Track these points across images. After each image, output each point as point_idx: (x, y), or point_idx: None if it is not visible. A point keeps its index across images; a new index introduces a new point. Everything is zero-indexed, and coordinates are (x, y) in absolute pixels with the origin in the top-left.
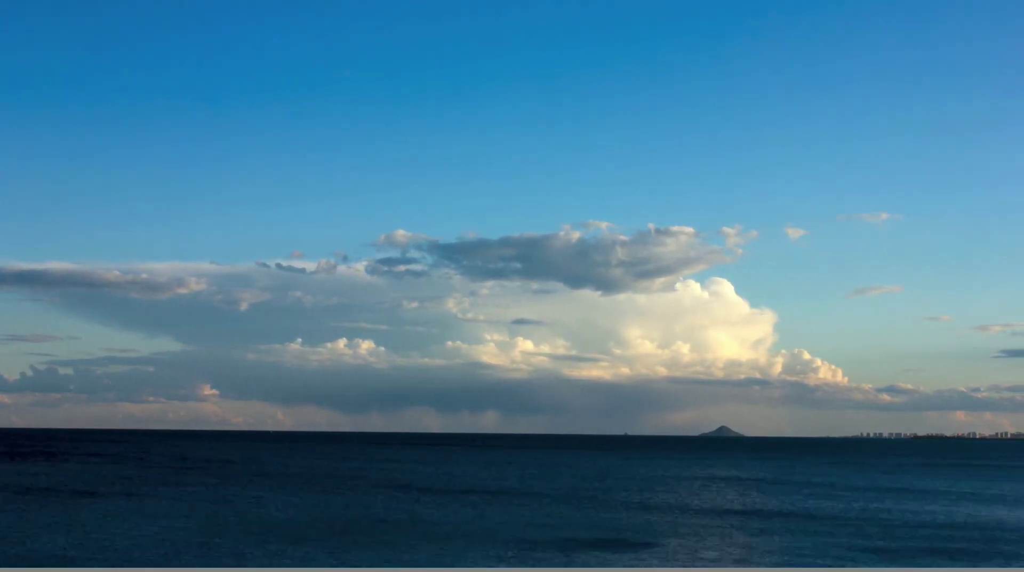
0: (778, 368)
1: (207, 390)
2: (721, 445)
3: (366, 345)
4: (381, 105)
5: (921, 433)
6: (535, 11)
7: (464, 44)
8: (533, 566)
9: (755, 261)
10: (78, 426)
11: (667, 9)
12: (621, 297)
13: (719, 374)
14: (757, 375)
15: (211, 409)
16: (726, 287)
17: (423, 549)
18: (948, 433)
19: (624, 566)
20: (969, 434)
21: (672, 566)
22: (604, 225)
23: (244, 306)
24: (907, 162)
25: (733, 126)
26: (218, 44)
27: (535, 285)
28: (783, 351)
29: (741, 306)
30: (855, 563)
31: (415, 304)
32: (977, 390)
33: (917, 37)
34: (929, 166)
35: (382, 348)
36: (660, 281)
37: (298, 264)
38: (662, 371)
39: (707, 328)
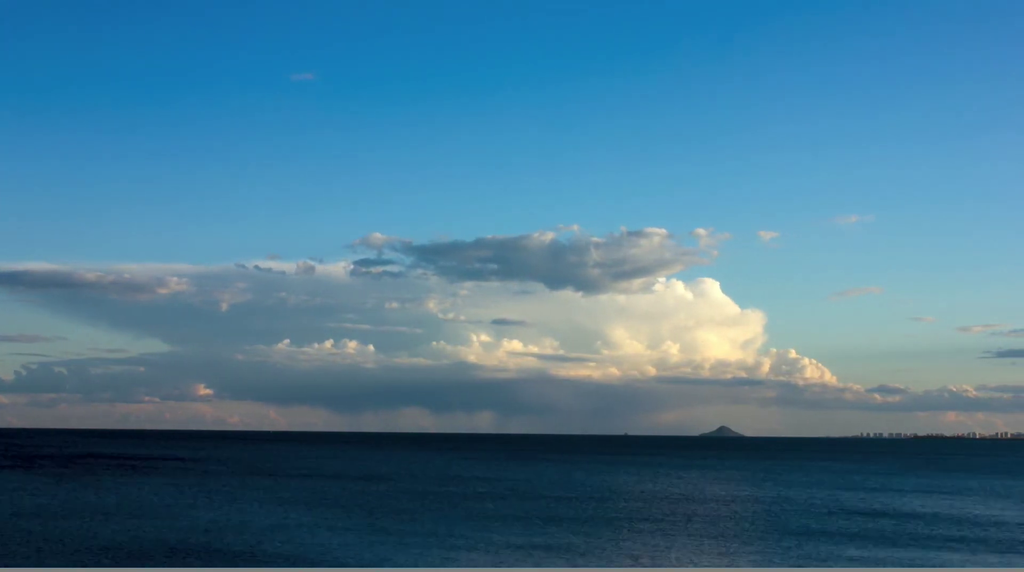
0: (767, 368)
1: (201, 390)
2: (722, 445)
3: (352, 345)
4: (351, 109)
5: (921, 433)
6: (506, 18)
7: (437, 49)
8: (533, 566)
9: (730, 263)
10: (76, 427)
11: (638, 17)
12: (603, 297)
13: (707, 374)
14: (744, 375)
15: (205, 409)
16: (712, 287)
17: None
18: (948, 433)
19: (624, 566)
20: (969, 434)
21: (672, 566)
22: (575, 227)
23: (224, 306)
24: (878, 165)
25: (703, 131)
26: (193, 44)
27: (515, 286)
28: (772, 351)
29: (729, 306)
30: (857, 563)
31: (395, 305)
32: (965, 390)
33: (888, 43)
34: (901, 169)
35: (370, 348)
36: (639, 282)
37: (275, 265)
38: (652, 371)
39: (695, 328)
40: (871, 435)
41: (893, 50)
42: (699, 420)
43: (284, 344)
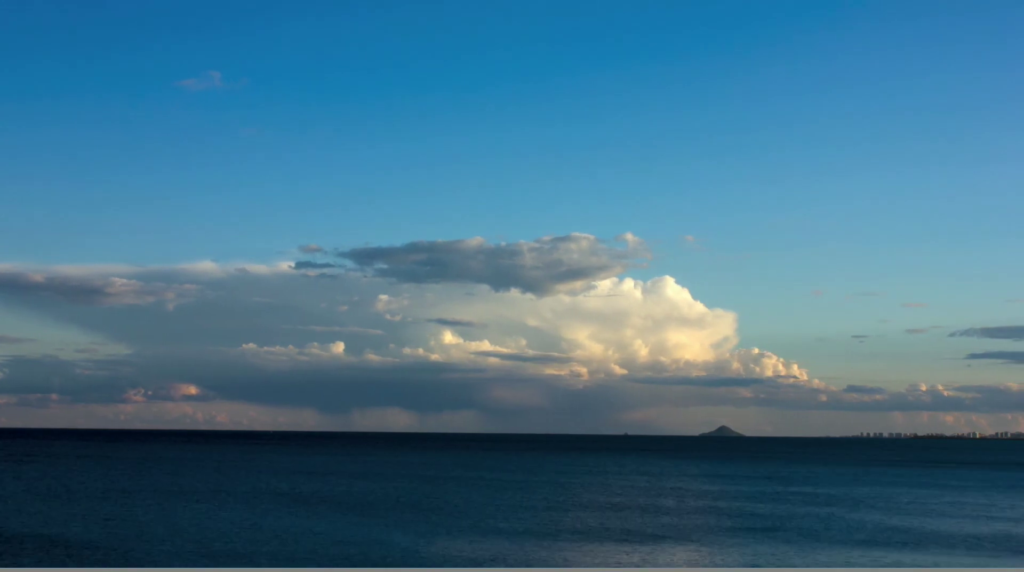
0: (738, 367)
1: (183, 390)
2: (726, 445)
3: (315, 346)
4: (272, 115)
5: (921, 433)
6: (439, 22)
7: (367, 53)
8: (534, 566)
9: (665, 266)
10: (69, 426)
11: (565, 26)
12: (556, 298)
13: (677, 373)
14: (719, 374)
15: (185, 408)
16: (670, 286)
17: None
18: (948, 433)
19: (625, 566)
20: (969, 434)
21: (672, 566)
22: (499, 235)
23: (171, 307)
24: (827, 168)
25: (624, 139)
26: (142, 39)
27: (459, 288)
28: (742, 351)
29: (694, 306)
30: (856, 564)
31: (345, 307)
32: (936, 390)
33: (819, 42)
34: (867, 170)
35: (336, 349)
36: (580, 283)
37: (213, 269)
38: (621, 370)
39: (661, 328)
40: (871, 435)
41: (813, 50)
42: (696, 420)
43: (252, 345)
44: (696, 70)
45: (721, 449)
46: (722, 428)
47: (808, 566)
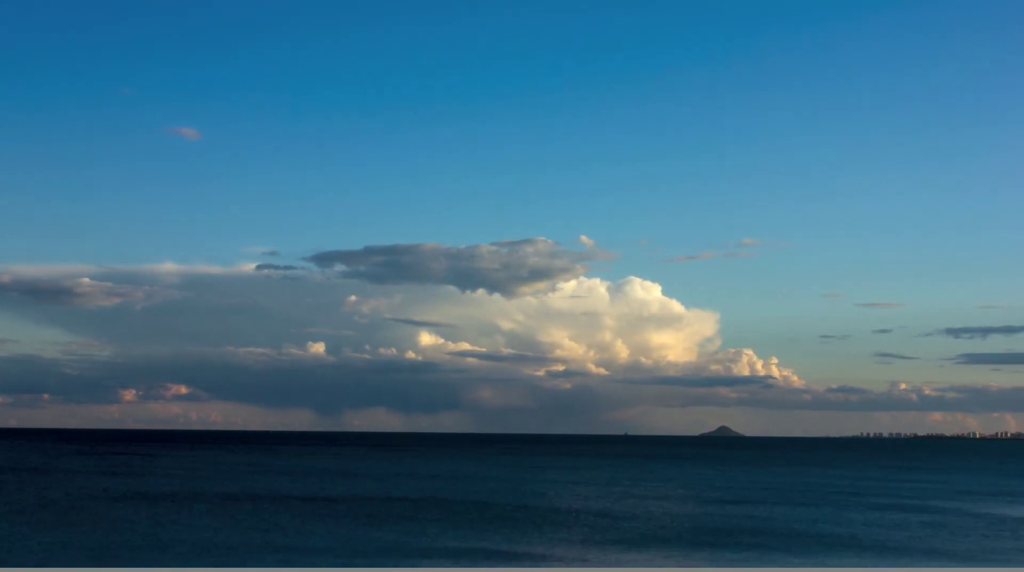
0: (717, 368)
1: (174, 390)
2: (728, 444)
3: (292, 347)
4: (215, 118)
5: (921, 433)
6: (384, 26)
7: (316, 60)
8: (538, 566)
9: (629, 268)
10: (63, 426)
11: (522, 33)
12: (521, 300)
13: (659, 374)
14: (703, 375)
15: (178, 408)
16: (640, 286)
17: None
18: (948, 433)
19: (629, 566)
20: (969, 434)
21: (672, 566)
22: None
23: (139, 307)
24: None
25: (579, 148)
26: (101, 40)
27: (428, 289)
28: (729, 351)
29: (670, 305)
30: (856, 564)
31: (316, 309)
32: (919, 390)
33: (756, 50)
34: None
35: (317, 349)
36: (544, 284)
37: (176, 269)
38: (602, 371)
39: (638, 328)
40: (871, 435)
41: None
42: (687, 420)
43: (230, 347)
44: (652, 81)
45: (726, 448)
46: (722, 428)
47: (807, 566)
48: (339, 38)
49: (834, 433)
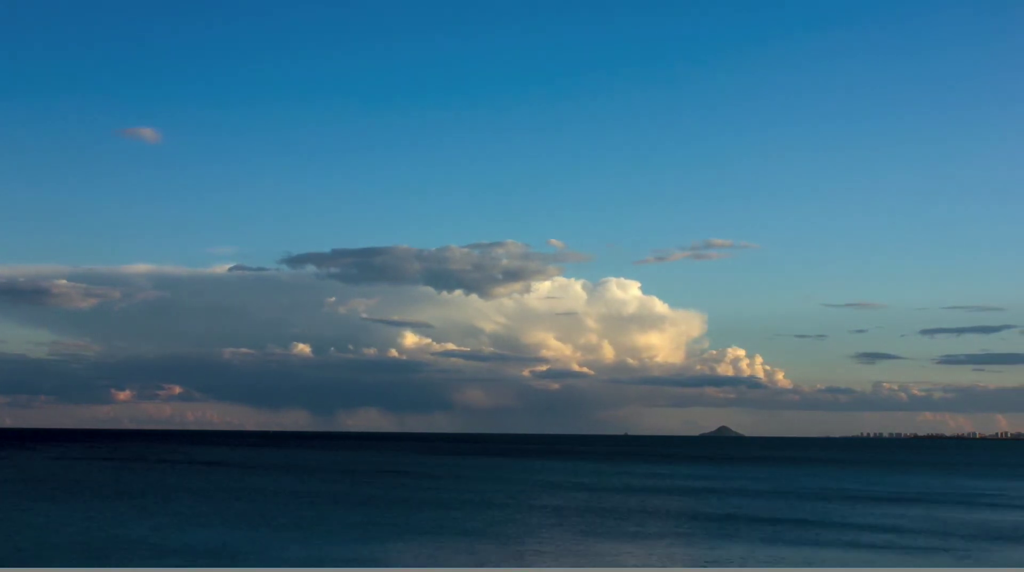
0: (702, 368)
1: (168, 390)
2: (728, 444)
3: (276, 347)
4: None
5: (921, 433)
6: (360, 29)
7: (289, 60)
8: (534, 566)
9: (602, 269)
10: (61, 426)
11: (491, 37)
12: (498, 301)
13: (646, 374)
14: (687, 374)
15: (172, 408)
16: (618, 285)
17: None
18: (948, 433)
19: (625, 566)
20: (969, 434)
21: (672, 566)
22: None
23: (118, 308)
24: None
25: (546, 151)
26: (82, 43)
27: (405, 290)
28: (713, 352)
29: (651, 305)
30: (857, 564)
31: (296, 310)
32: (907, 389)
33: (731, 57)
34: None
35: (303, 349)
36: (519, 285)
37: (150, 270)
38: (589, 371)
39: (624, 329)
40: (871, 435)
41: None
42: (680, 420)
43: (216, 347)
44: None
45: (729, 449)
46: (722, 428)
47: (807, 566)
48: (305, 38)
49: (835, 433)
